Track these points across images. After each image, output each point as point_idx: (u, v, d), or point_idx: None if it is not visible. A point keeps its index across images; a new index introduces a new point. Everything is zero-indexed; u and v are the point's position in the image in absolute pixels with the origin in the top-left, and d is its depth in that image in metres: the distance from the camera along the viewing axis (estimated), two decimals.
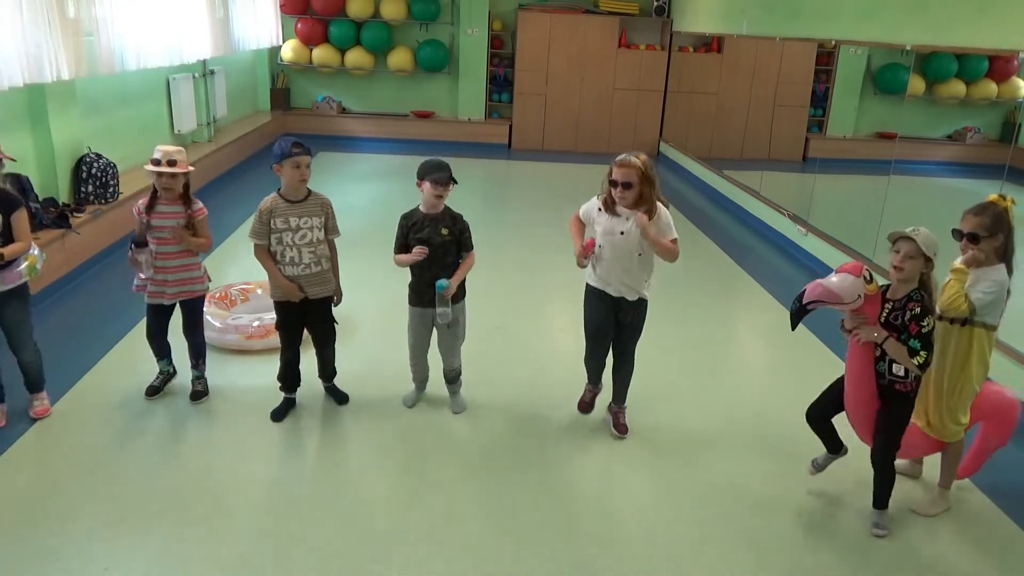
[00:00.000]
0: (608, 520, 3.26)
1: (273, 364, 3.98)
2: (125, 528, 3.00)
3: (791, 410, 4.28)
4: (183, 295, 3.88)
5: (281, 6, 11.13)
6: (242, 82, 10.83)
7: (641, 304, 3.72)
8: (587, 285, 3.76)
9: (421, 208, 3.75)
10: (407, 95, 12.06)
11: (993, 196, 3.09)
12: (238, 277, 5.53)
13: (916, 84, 11.14)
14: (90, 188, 6.03)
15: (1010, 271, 3.13)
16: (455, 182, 3.67)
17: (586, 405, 4.06)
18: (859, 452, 3.39)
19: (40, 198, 5.54)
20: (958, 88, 11.28)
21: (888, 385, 3.06)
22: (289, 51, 11.46)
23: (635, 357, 3.86)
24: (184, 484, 3.30)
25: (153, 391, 4.01)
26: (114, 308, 5.14)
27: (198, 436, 3.72)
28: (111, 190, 6.16)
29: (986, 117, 11.71)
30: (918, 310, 2.93)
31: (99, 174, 6.07)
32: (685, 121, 11.81)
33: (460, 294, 3.84)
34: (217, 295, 4.86)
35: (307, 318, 3.85)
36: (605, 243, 3.60)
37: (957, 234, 3.14)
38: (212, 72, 9.10)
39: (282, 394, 3.94)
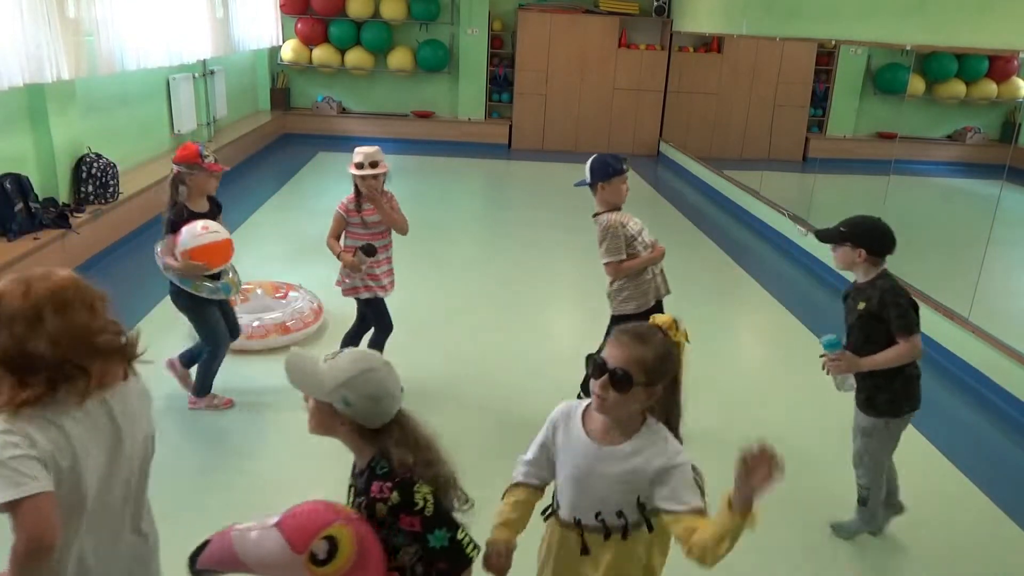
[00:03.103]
0: None
1: (272, 363, 3.97)
2: None
3: (790, 410, 4.29)
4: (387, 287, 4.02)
5: (281, 6, 11.13)
6: (242, 82, 10.83)
7: None
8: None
9: None
10: (407, 95, 12.05)
11: (662, 318, 1.88)
12: None
13: (916, 84, 11.15)
14: (90, 188, 6.03)
15: (679, 437, 1.95)
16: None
17: None
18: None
19: (40, 198, 5.54)
20: (958, 88, 11.29)
21: None
22: (289, 51, 11.46)
23: None
24: (184, 483, 3.30)
25: None
26: (113, 309, 5.14)
27: (198, 436, 3.72)
28: (111, 190, 6.16)
29: (986, 117, 11.72)
30: (396, 498, 1.66)
31: (99, 174, 6.07)
32: (685, 121, 11.81)
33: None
34: None
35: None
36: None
37: (597, 369, 1.77)
38: (212, 72, 9.11)
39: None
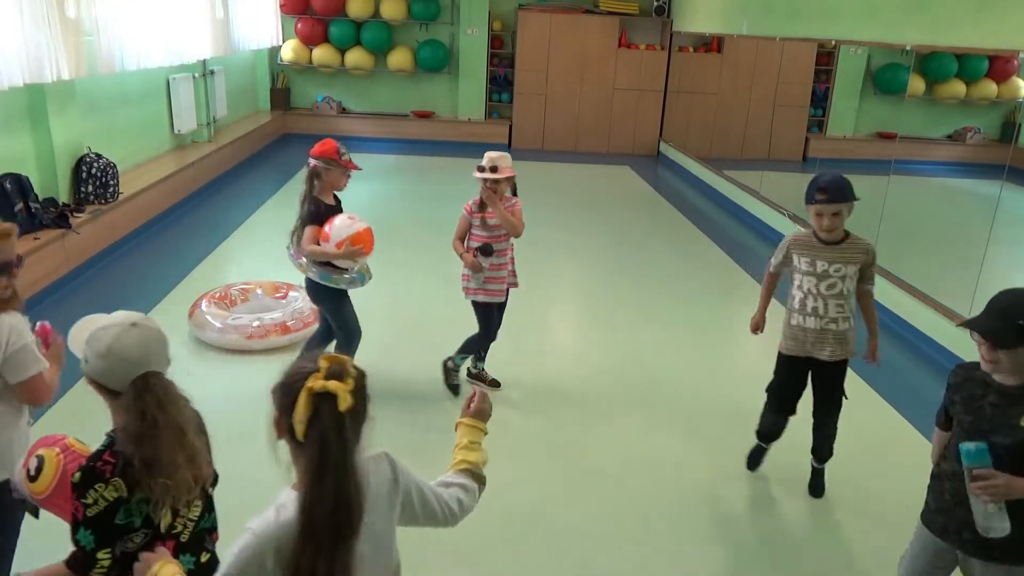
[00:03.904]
0: (604, 520, 3.26)
1: (273, 364, 3.95)
2: None
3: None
4: (512, 285, 4.11)
5: (281, 6, 11.13)
6: (242, 82, 10.83)
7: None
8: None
9: None
10: (407, 95, 12.05)
11: (334, 356, 1.45)
12: (238, 277, 5.53)
13: (916, 84, 11.14)
14: (90, 188, 6.03)
15: None
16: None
17: None
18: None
19: (40, 198, 5.54)
20: (958, 88, 11.29)
21: None
22: (289, 51, 11.46)
23: None
24: None
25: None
26: (113, 309, 5.13)
27: None
28: (111, 190, 6.16)
29: (986, 117, 11.71)
30: (77, 478, 1.62)
31: (99, 174, 6.07)
32: (685, 121, 11.81)
33: None
34: (217, 295, 4.86)
35: (814, 380, 3.33)
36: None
37: None
38: (212, 72, 9.10)
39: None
